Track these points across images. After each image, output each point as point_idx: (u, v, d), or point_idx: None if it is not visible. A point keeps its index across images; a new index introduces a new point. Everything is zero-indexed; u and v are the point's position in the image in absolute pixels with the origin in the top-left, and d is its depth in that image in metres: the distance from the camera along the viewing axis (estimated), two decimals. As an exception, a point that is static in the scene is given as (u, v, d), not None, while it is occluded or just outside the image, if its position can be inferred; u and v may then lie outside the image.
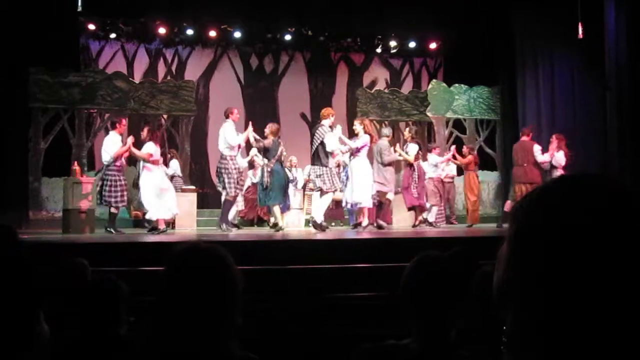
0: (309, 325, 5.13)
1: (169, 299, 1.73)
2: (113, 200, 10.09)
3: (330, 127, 10.18)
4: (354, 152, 10.45)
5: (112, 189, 10.08)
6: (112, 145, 10.20)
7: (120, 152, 10.15)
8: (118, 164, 10.19)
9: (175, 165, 12.74)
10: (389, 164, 10.88)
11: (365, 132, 10.46)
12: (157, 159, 10.34)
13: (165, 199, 10.19)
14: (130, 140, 10.33)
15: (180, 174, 12.90)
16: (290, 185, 11.65)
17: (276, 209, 10.32)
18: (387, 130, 11.53)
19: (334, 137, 10.07)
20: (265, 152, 10.34)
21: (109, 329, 2.65)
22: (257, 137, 10.43)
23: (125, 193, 10.31)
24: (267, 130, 10.36)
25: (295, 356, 4.75)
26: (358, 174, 10.33)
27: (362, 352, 2.02)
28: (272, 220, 10.81)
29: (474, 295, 2.17)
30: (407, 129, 13.28)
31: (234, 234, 9.98)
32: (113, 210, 10.20)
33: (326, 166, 9.97)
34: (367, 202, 10.50)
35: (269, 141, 10.25)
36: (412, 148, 11.71)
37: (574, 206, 0.80)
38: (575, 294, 0.76)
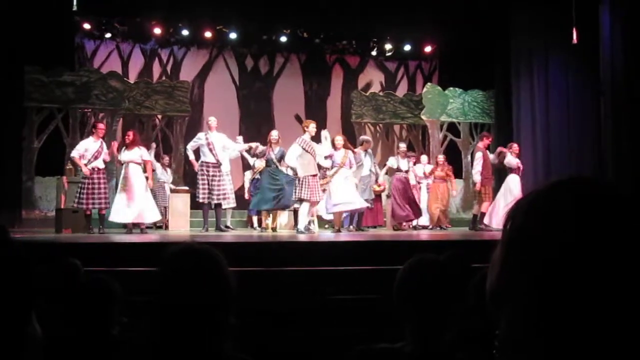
0: (302, 326, 5.13)
1: (162, 300, 1.73)
2: (84, 202, 9.98)
3: (312, 136, 10.53)
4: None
5: (83, 192, 9.99)
6: (82, 146, 10.21)
7: (77, 162, 10.16)
8: (98, 167, 10.11)
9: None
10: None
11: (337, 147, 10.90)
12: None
13: (125, 201, 10.24)
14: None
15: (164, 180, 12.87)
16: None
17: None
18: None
19: (294, 151, 10.36)
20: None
21: (101, 329, 2.64)
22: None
23: (104, 195, 10.16)
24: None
25: (288, 357, 4.75)
26: (335, 182, 10.69)
27: (355, 356, 2.02)
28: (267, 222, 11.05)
29: (472, 298, 2.17)
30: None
31: (227, 235, 10.00)
32: (87, 212, 10.15)
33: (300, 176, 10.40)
34: (341, 208, 10.74)
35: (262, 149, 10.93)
36: (391, 161, 11.89)
37: (571, 209, 0.80)
38: (572, 297, 0.76)
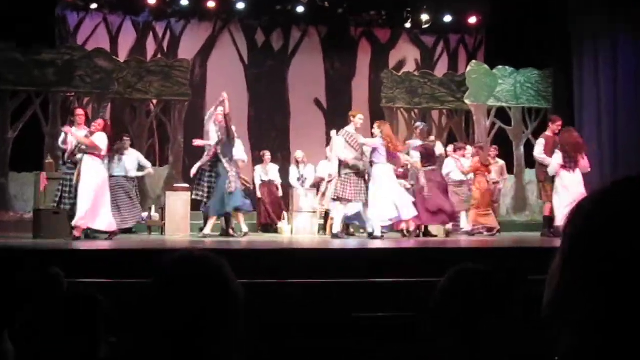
0: (317, 342, 5.15)
1: (157, 316, 1.74)
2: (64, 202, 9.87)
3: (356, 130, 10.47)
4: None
5: (64, 189, 9.86)
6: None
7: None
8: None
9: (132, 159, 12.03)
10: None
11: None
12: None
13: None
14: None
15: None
16: (298, 184, 12.00)
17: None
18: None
19: (339, 143, 10.42)
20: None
21: (85, 350, 2.66)
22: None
23: None
24: None
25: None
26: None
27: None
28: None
29: (519, 311, 2.17)
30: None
31: (233, 241, 10.03)
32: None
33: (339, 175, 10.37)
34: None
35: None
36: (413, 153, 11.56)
37: None
38: None
